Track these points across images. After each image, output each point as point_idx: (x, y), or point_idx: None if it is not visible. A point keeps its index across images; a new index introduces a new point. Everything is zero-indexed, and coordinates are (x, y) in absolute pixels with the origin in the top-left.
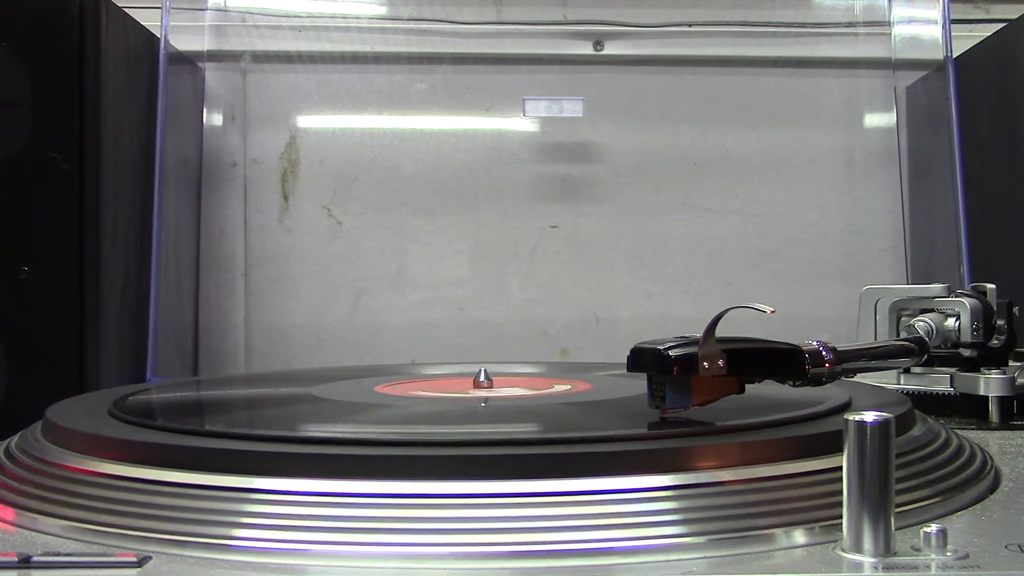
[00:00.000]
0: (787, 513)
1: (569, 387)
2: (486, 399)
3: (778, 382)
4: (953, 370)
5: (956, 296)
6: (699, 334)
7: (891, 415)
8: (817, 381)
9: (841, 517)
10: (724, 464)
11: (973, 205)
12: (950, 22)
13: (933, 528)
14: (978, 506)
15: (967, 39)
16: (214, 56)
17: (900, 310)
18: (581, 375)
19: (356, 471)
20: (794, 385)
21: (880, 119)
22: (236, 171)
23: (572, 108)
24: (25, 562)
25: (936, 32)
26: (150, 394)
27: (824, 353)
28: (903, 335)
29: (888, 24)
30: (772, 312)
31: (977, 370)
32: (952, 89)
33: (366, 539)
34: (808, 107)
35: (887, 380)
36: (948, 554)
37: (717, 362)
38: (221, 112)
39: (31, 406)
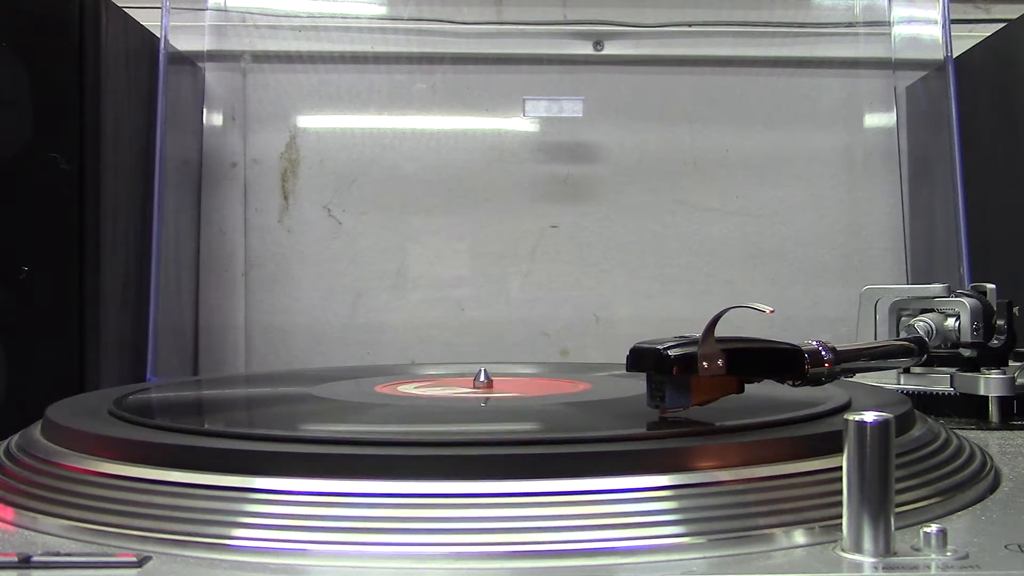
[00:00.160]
0: (787, 513)
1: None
2: (486, 399)
3: (778, 382)
4: (953, 370)
5: (956, 296)
6: (699, 334)
7: (891, 415)
8: (817, 381)
9: (841, 517)
10: (724, 464)
11: (973, 205)
12: (950, 22)
13: (933, 528)
14: (978, 506)
15: (967, 39)
16: (214, 56)
17: (900, 310)
18: (581, 375)
19: (356, 471)
20: (794, 385)
21: (880, 119)
22: (236, 171)
23: (572, 108)
24: (25, 562)
25: (936, 32)
26: (150, 394)
27: (824, 353)
28: (903, 335)
29: (888, 24)
30: (771, 312)
31: (977, 370)
32: (952, 89)
33: (366, 539)
34: (808, 107)
35: (887, 380)
36: (948, 554)
37: (716, 362)
38: (221, 112)
39: (31, 405)
